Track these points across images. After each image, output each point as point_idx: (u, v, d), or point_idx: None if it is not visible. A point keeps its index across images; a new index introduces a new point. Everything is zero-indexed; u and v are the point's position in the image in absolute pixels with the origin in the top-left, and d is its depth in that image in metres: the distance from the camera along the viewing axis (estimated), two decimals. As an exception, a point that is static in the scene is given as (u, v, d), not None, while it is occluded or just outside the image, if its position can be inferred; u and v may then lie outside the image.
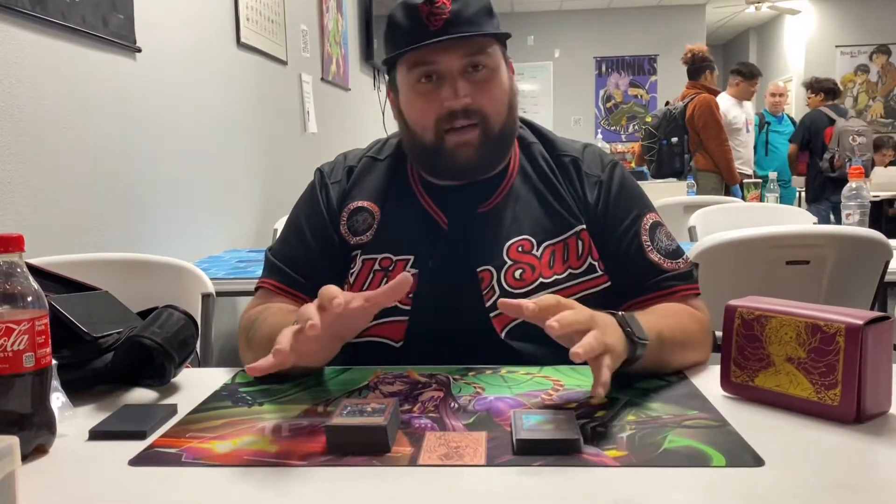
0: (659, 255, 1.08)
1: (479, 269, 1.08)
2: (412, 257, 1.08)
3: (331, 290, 0.84)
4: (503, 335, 1.05)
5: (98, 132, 1.86)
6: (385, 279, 1.08)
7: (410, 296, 1.07)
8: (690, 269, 1.10)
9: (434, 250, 1.09)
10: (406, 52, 1.05)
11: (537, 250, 1.08)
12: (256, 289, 1.16)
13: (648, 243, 1.09)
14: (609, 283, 1.09)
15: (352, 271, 1.10)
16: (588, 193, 1.11)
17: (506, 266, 1.07)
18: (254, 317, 1.07)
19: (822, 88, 5.48)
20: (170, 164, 2.23)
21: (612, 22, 9.20)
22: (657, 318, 0.97)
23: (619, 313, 0.90)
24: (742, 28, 10.99)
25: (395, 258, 1.09)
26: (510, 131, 1.11)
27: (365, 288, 1.09)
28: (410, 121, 1.09)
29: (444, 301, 1.06)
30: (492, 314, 1.06)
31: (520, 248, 1.08)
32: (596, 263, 1.09)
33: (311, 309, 0.83)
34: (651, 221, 1.11)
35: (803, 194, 5.54)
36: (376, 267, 1.09)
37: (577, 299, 1.04)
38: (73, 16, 1.74)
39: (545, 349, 0.98)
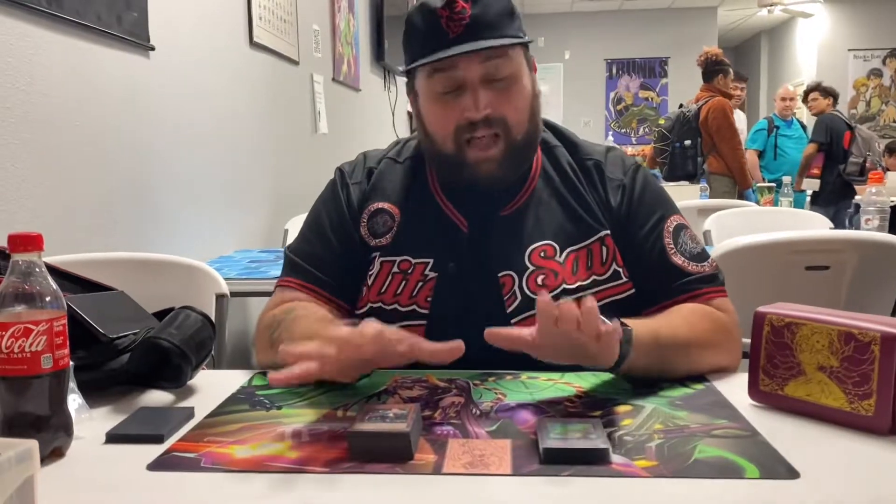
0: (683, 258, 1.06)
1: (500, 274, 1.06)
2: (431, 260, 1.07)
3: (374, 329, 0.84)
4: None
5: (111, 130, 1.85)
6: (404, 282, 1.06)
7: (429, 299, 1.05)
8: (716, 272, 1.07)
9: (454, 254, 1.07)
10: (425, 62, 1.02)
11: (560, 256, 1.06)
12: (276, 287, 1.14)
13: (672, 246, 1.07)
14: (633, 290, 1.06)
15: (370, 273, 1.09)
16: (611, 197, 1.09)
17: (528, 271, 1.05)
18: (279, 317, 1.05)
19: (830, 93, 5.46)
20: (181, 163, 2.22)
21: (623, 24, 9.18)
22: (657, 320, 0.96)
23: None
24: (754, 31, 10.95)
25: (414, 260, 1.07)
26: (533, 138, 1.08)
27: (384, 290, 1.07)
28: (430, 128, 1.07)
29: (463, 306, 1.04)
30: (513, 320, 1.04)
31: (542, 254, 1.06)
32: (620, 270, 1.07)
33: (341, 334, 0.83)
34: (675, 224, 1.09)
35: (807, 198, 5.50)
36: (395, 269, 1.08)
37: (601, 306, 1.02)
38: (88, 13, 1.73)
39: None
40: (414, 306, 1.05)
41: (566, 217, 1.08)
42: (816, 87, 5.59)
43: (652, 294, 1.06)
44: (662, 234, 1.07)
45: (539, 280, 1.04)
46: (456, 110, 1.02)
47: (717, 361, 0.99)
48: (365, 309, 1.08)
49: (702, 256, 1.08)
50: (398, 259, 1.08)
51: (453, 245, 1.08)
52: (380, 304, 1.07)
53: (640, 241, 1.08)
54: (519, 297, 1.04)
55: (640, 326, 0.92)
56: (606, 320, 0.84)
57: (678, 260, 1.06)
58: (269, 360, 1.05)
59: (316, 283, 1.10)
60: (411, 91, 1.11)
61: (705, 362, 0.98)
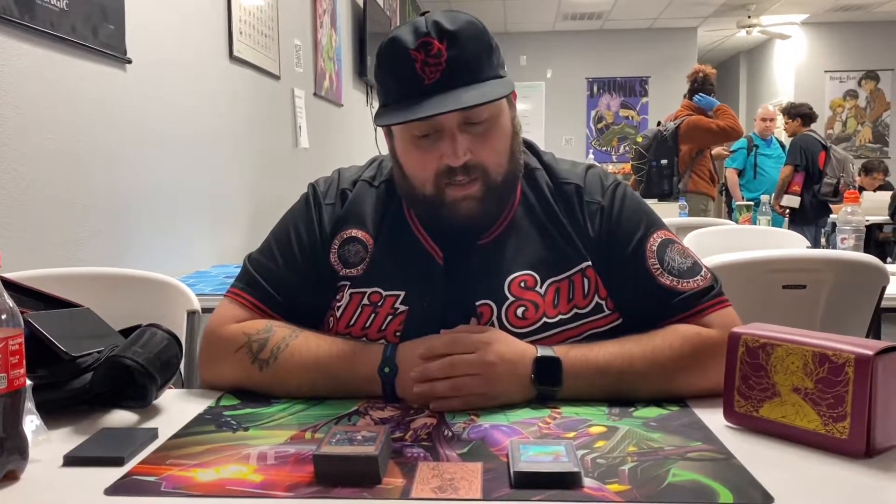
0: (671, 278, 1.01)
1: (477, 304, 1.01)
2: (403, 293, 1.02)
3: None
4: None
5: (85, 143, 1.82)
6: (373, 314, 1.02)
7: (398, 333, 1.01)
8: (711, 284, 1.01)
9: (428, 286, 1.02)
10: (400, 120, 0.95)
11: (541, 287, 1.02)
12: (227, 296, 1.07)
13: (657, 267, 1.01)
14: (619, 321, 1.03)
15: (339, 304, 1.04)
16: (590, 225, 1.04)
17: (507, 302, 1.01)
18: (261, 339, 0.99)
19: (798, 114, 5.44)
20: (158, 178, 2.19)
21: (604, 43, 9.26)
22: (614, 347, 0.96)
23: (540, 356, 0.94)
24: (733, 52, 11.10)
25: (384, 293, 1.02)
26: (513, 178, 1.04)
27: (352, 323, 1.03)
28: (408, 171, 1.02)
29: None
30: None
31: (522, 284, 1.02)
32: (603, 303, 1.02)
33: None
34: (659, 241, 1.03)
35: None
36: (365, 301, 1.03)
37: (584, 338, 1.01)
38: (63, 25, 1.71)
39: None
40: (382, 340, 1.01)
41: (546, 246, 1.04)
42: (785, 110, 5.65)
43: (645, 319, 1.01)
44: (646, 255, 1.02)
45: (519, 312, 1.00)
46: (434, 155, 0.98)
47: (695, 385, 0.95)
48: None
49: (692, 271, 1.02)
50: (368, 291, 1.03)
51: (428, 278, 1.03)
52: (348, 337, 1.02)
53: (623, 264, 1.02)
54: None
55: (580, 357, 0.95)
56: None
57: (666, 281, 1.00)
58: (245, 384, 1.00)
59: (268, 304, 1.05)
60: (387, 128, 1.04)
61: (679, 386, 0.95)
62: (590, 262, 1.03)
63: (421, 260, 1.04)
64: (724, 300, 1.02)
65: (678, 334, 0.98)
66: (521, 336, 0.98)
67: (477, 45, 0.96)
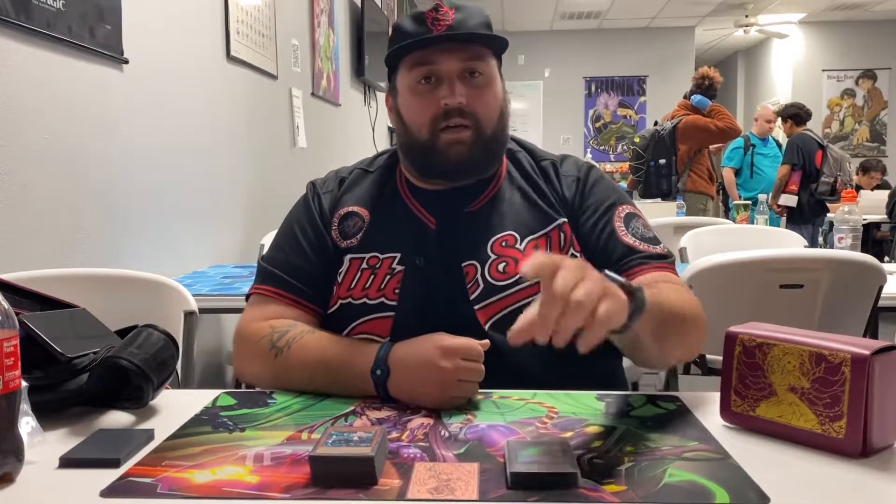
0: (634, 239, 1.10)
1: (463, 264, 1.09)
2: (399, 255, 1.10)
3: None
4: (487, 327, 1.06)
5: (82, 143, 1.82)
6: (372, 276, 1.10)
7: (396, 291, 1.08)
8: (668, 255, 1.10)
9: (421, 248, 1.11)
10: (409, 51, 1.09)
11: (521, 244, 1.11)
12: (248, 296, 1.15)
13: (623, 228, 1.11)
14: None
15: (340, 271, 1.12)
16: (566, 191, 1.15)
17: (490, 260, 1.09)
18: (282, 330, 1.05)
19: (788, 115, 5.41)
20: (155, 178, 2.19)
21: (602, 43, 9.27)
22: (660, 287, 0.98)
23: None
24: (730, 51, 11.11)
25: (381, 256, 1.11)
26: (501, 137, 1.14)
27: (352, 287, 1.10)
28: (407, 119, 1.12)
29: (429, 296, 1.08)
30: (476, 306, 1.07)
31: (504, 243, 1.11)
32: (578, 255, 1.11)
33: None
34: (627, 212, 1.13)
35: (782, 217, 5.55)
36: (364, 266, 1.11)
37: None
38: (60, 25, 1.71)
39: (528, 343, 0.94)
40: (382, 299, 1.09)
41: (527, 209, 1.14)
42: (778, 113, 5.65)
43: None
44: (613, 218, 1.11)
45: (500, 268, 1.09)
46: (434, 100, 1.09)
47: (699, 340, 1.01)
48: (336, 306, 1.11)
49: (654, 241, 1.11)
50: (367, 256, 1.12)
51: (421, 241, 1.12)
52: (349, 300, 1.10)
53: (591, 226, 1.12)
54: (482, 285, 1.08)
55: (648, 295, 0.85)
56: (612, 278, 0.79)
57: (628, 240, 1.09)
58: (263, 371, 1.04)
59: (292, 291, 1.12)
60: (392, 89, 1.16)
61: (694, 340, 1.00)
62: (566, 220, 1.13)
63: (415, 227, 1.13)
64: (675, 268, 1.11)
65: (678, 283, 1.05)
66: (501, 287, 1.06)
67: (479, 18, 1.12)
